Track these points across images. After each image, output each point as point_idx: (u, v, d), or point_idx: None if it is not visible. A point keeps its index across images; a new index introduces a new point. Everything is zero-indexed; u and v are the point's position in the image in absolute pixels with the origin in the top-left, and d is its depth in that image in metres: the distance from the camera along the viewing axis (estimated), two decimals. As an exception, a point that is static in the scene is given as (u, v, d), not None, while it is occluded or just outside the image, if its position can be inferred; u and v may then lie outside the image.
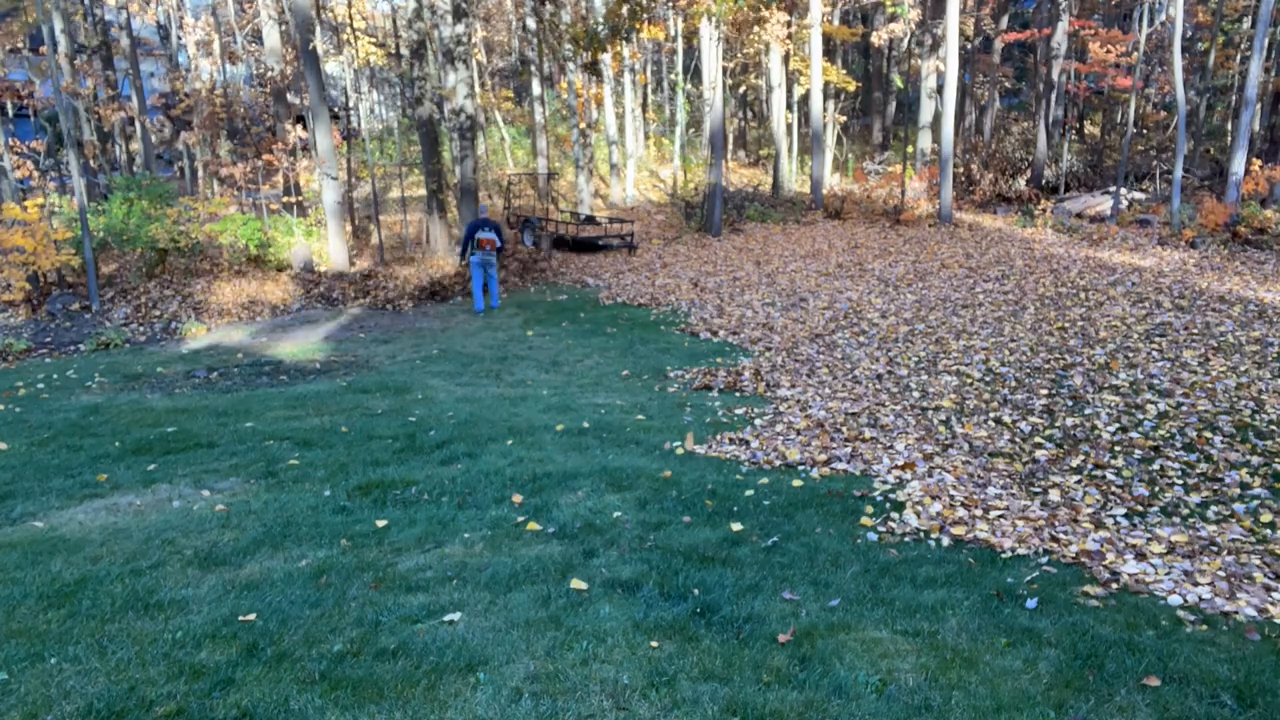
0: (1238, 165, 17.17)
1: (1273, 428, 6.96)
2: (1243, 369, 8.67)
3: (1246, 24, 24.15)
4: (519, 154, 28.16)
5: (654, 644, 3.16)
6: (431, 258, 17.53)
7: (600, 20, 15.95)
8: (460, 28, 16.60)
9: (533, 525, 4.56)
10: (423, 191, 19.77)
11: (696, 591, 3.71)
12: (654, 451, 6.27)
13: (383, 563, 4.13)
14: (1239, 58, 24.23)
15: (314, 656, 3.13)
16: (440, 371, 9.75)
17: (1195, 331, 10.19)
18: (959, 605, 3.69)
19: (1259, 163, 18.51)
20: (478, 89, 27.01)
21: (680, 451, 6.31)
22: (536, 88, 23.77)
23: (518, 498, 5.02)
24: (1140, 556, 4.36)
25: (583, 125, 23.67)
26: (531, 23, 22.73)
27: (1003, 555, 4.37)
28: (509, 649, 3.15)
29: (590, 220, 20.50)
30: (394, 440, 6.57)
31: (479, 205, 16.14)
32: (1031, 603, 3.71)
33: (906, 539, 4.58)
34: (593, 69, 18.23)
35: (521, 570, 3.92)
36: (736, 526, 4.62)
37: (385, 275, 15.97)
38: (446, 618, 3.43)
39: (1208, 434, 6.86)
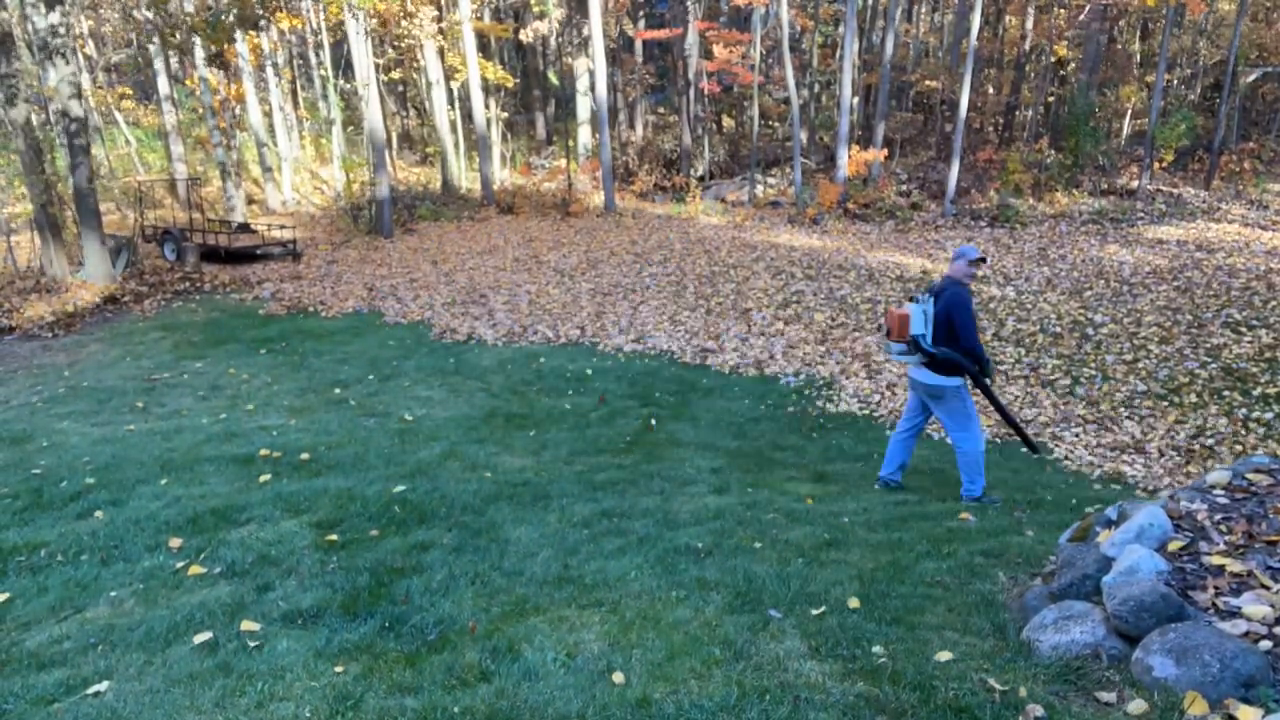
0: (843, 152, 19.99)
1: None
2: (857, 326, 10.13)
3: (841, 28, 27.99)
4: (151, 159, 25.09)
5: (338, 669, 3.02)
6: (52, 283, 15.08)
7: (226, 6, 14.61)
8: (55, 17, 14.39)
9: (196, 569, 4.13)
10: (28, 208, 16.93)
11: (385, 605, 3.60)
12: (334, 469, 5.96)
13: (5, 643, 3.52)
14: (837, 55, 28.01)
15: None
16: (70, 412, 8.45)
17: (823, 297, 11.72)
18: (641, 569, 3.94)
19: (858, 148, 21.63)
20: (89, 87, 23.69)
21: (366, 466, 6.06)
22: (165, 85, 21.30)
23: (176, 541, 4.51)
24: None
25: (223, 125, 21.66)
26: (149, 13, 20.26)
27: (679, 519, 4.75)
28: (169, 709, 2.83)
29: (245, 228, 18.84)
30: (14, 499, 5.59)
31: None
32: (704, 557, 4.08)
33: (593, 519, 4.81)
34: (219, 61, 16.62)
35: (183, 621, 3.54)
36: (427, 531, 4.54)
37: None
38: (91, 690, 3.01)
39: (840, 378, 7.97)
